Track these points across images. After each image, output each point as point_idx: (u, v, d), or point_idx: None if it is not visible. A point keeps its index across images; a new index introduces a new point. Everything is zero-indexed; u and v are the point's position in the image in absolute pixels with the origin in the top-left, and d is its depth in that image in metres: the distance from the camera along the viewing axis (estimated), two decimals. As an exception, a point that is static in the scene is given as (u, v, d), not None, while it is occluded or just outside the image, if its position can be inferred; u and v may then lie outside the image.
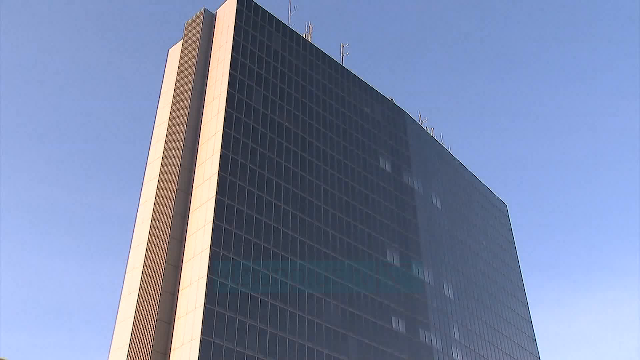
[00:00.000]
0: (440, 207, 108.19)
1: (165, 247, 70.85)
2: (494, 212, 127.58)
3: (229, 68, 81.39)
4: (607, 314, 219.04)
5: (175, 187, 75.00)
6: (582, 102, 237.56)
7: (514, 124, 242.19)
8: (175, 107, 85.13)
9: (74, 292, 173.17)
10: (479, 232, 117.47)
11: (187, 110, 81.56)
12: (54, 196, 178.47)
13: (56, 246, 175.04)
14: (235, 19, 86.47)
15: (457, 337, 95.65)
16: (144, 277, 71.55)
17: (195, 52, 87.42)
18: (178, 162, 77.29)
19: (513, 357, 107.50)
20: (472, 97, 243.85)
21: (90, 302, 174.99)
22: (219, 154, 73.81)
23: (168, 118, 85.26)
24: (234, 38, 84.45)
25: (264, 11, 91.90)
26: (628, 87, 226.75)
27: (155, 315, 66.99)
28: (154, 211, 76.20)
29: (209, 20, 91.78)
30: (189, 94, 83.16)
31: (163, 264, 69.80)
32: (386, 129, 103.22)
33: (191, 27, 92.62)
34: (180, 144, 78.75)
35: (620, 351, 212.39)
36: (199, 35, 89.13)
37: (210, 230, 68.10)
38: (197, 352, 60.37)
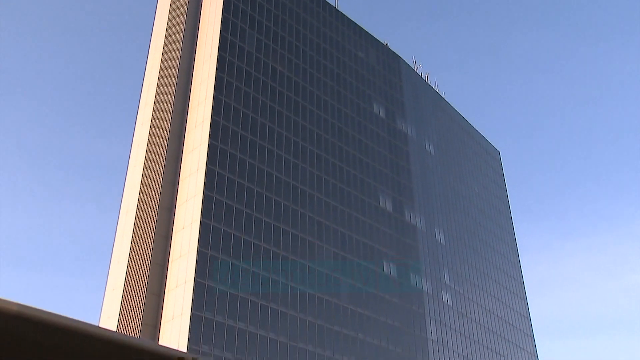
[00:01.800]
0: (433, 153, 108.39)
1: (158, 190, 71.03)
2: (487, 158, 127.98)
3: (221, 11, 79.95)
4: (595, 258, 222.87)
5: (167, 131, 74.70)
6: (577, 48, 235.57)
7: (509, 71, 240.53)
8: (166, 50, 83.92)
9: (71, 233, 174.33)
10: (471, 179, 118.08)
11: (179, 54, 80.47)
12: (48, 140, 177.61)
13: (51, 189, 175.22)
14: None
15: (447, 281, 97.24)
16: (137, 220, 71.96)
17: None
18: (170, 106, 76.72)
19: (501, 301, 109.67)
20: (467, 43, 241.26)
21: (87, 244, 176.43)
22: (212, 98, 73.22)
23: (160, 61, 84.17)
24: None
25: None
26: (625, 32, 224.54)
27: (149, 259, 67.67)
28: (147, 154, 76.05)
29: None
30: (180, 36, 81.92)
31: (156, 207, 70.10)
32: (380, 74, 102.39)
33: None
34: (173, 88, 78.02)
35: (607, 293, 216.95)
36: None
37: (204, 174, 68.16)
38: (191, 294, 61.26)
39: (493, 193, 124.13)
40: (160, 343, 58.48)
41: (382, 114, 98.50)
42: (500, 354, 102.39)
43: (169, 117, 75.85)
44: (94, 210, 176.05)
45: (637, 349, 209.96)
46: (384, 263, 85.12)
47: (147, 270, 67.18)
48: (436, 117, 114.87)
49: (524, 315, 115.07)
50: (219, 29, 78.34)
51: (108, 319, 68.64)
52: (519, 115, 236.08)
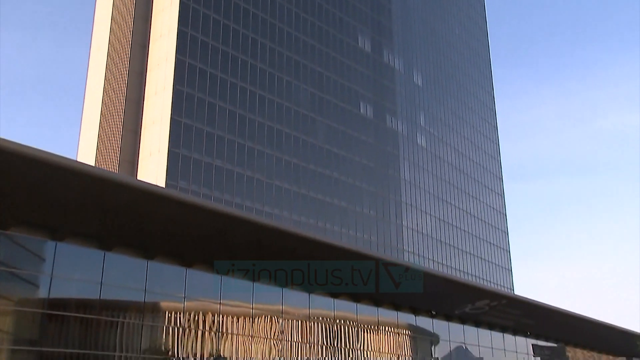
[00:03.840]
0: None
1: (130, 26, 68.49)
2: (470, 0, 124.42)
3: None
4: (568, 103, 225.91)
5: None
6: None
7: None
8: None
9: (42, 68, 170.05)
10: (453, 20, 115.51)
11: None
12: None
13: (22, 21, 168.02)
14: None
15: (422, 123, 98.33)
16: (110, 57, 70.23)
17: None
18: None
19: (474, 143, 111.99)
20: None
21: (59, 81, 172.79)
22: None
23: None
24: None
25: None
26: None
27: (124, 95, 66.80)
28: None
29: None
30: None
31: (129, 43, 68.01)
32: None
33: None
34: None
35: (576, 137, 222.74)
36: None
37: (177, 8, 65.44)
38: (167, 131, 61.24)
39: (474, 36, 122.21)
40: (138, 179, 59.34)
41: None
42: (469, 194, 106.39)
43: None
44: (64, 46, 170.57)
45: (602, 190, 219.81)
46: (361, 104, 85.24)
47: (122, 107, 66.55)
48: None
49: (494, 158, 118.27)
50: None
51: (85, 156, 68.97)
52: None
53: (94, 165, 64.30)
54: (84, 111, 74.66)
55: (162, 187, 49.23)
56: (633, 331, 65.83)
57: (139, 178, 60.36)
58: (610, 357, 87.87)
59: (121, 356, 34.09)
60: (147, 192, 32.32)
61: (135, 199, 31.90)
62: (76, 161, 32.61)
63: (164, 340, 36.63)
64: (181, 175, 60.74)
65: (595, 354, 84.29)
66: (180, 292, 37.38)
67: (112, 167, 64.40)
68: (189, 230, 35.86)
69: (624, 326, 76.46)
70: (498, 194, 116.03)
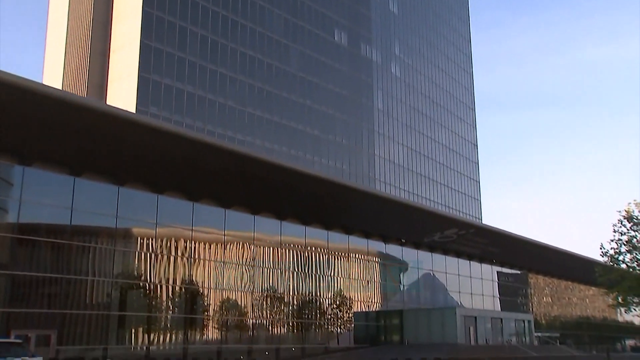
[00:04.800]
0: None
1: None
2: None
3: None
4: (544, 34, 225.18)
5: None
6: None
7: None
8: None
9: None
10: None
11: None
12: None
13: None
14: None
15: (397, 52, 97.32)
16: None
17: None
18: None
19: (448, 74, 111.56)
20: None
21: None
22: None
23: None
24: None
25: None
26: None
27: (90, 16, 64.68)
28: None
29: None
30: None
31: (96, -39, 65.33)
32: None
33: None
34: None
35: (548, 73, 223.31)
36: None
37: None
38: (137, 55, 59.72)
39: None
40: (108, 103, 58.21)
41: None
42: (442, 125, 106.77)
43: None
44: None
45: (573, 122, 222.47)
46: (335, 31, 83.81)
47: (89, 29, 64.51)
48: None
49: (467, 89, 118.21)
50: None
51: (51, 79, 67.23)
52: None
53: (61, 88, 62.76)
54: (48, 32, 72.29)
55: (132, 113, 48.40)
56: (591, 258, 68.14)
57: (108, 103, 59.18)
58: (569, 283, 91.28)
59: (93, 280, 34.36)
60: (117, 117, 31.79)
61: (104, 124, 31.37)
62: (42, 84, 31.77)
63: (136, 266, 36.94)
64: (152, 101, 59.66)
65: (555, 280, 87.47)
66: (152, 218, 37.44)
67: (80, 90, 62.98)
68: (161, 156, 35.57)
69: (584, 254, 79.07)
70: (470, 124, 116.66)
